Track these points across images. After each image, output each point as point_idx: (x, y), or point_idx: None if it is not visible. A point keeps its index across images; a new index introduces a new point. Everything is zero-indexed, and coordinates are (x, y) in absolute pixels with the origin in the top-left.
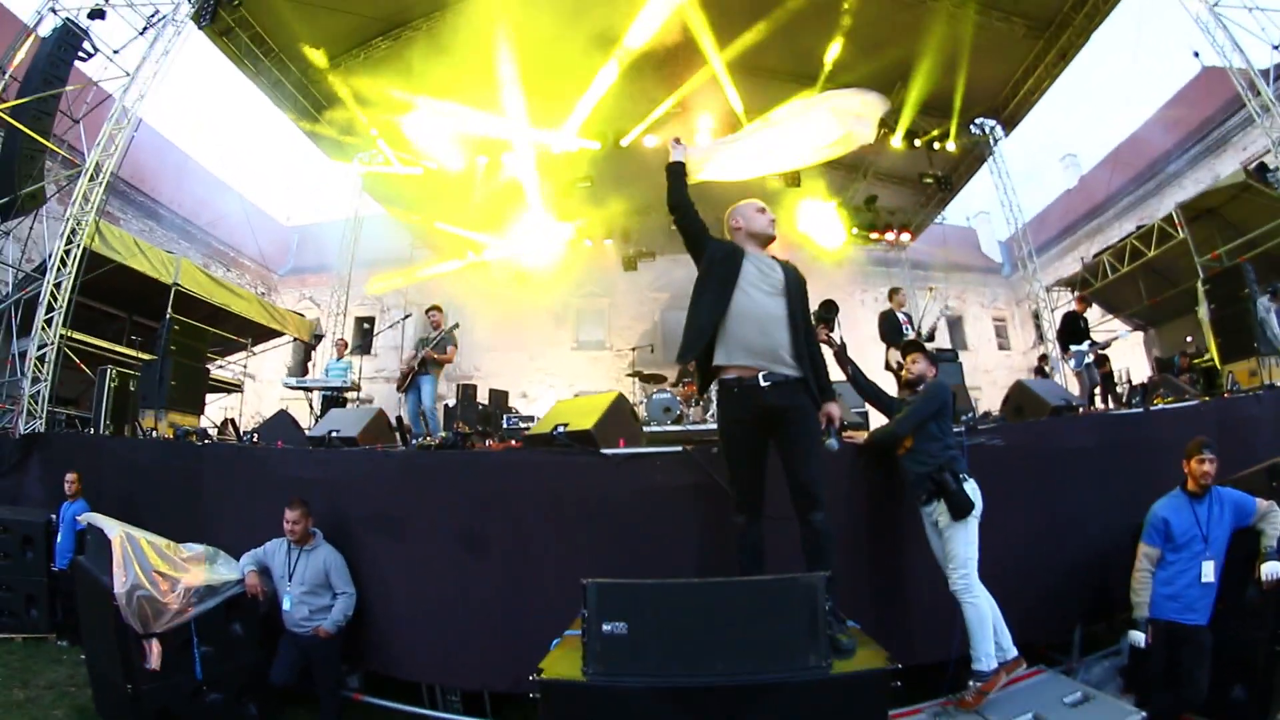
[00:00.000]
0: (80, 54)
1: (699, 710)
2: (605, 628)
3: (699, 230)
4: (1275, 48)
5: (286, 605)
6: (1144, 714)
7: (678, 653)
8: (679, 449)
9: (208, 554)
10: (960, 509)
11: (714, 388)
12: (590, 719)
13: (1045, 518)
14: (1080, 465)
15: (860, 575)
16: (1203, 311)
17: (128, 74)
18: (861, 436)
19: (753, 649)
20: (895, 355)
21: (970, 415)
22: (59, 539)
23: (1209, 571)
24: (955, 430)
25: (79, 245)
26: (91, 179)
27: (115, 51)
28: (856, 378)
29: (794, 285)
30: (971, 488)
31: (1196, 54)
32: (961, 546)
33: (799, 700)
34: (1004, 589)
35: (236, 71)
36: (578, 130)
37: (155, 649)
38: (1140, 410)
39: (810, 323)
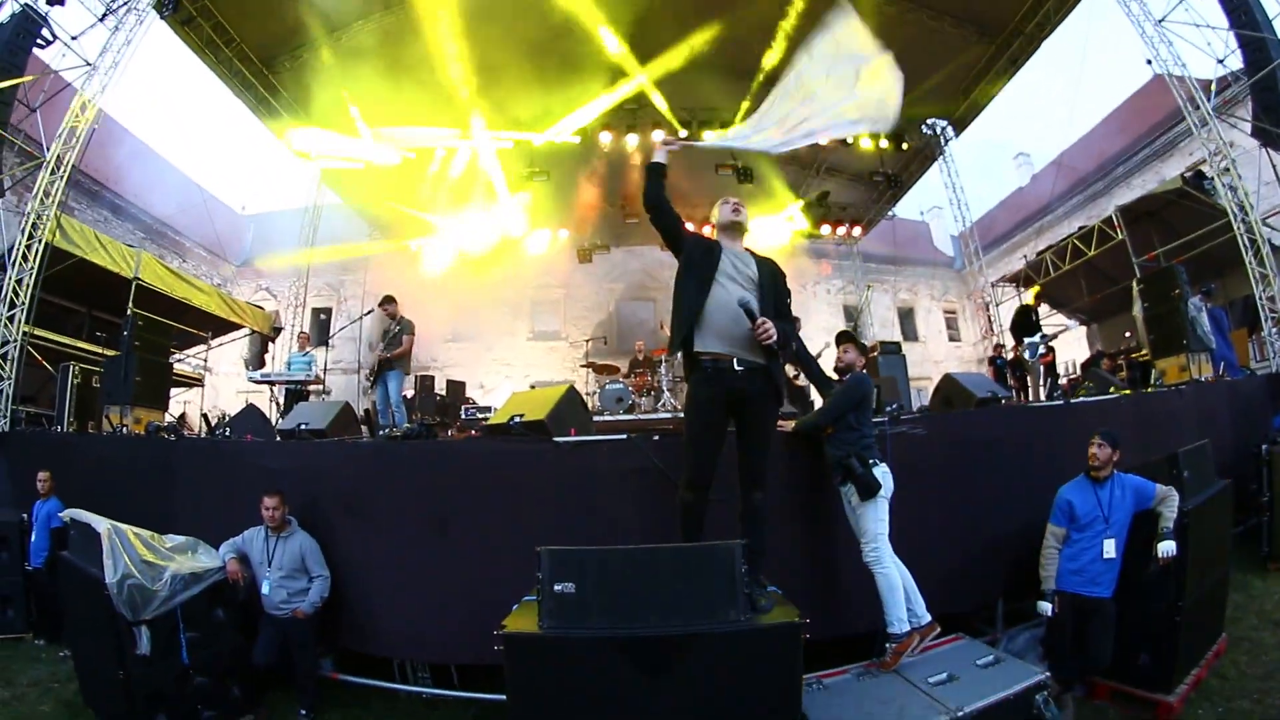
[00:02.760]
0: (39, 41)
1: (637, 657)
2: (556, 588)
3: (675, 226)
4: (1220, 62)
5: (265, 590)
6: (1047, 674)
7: (618, 608)
8: (624, 436)
9: (189, 544)
10: (867, 490)
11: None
12: (546, 665)
13: (966, 501)
14: (1002, 453)
15: (795, 551)
16: (1138, 309)
17: (89, 64)
18: (789, 425)
19: (681, 605)
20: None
21: (894, 405)
22: (33, 538)
23: (1110, 549)
24: (878, 420)
25: (40, 241)
26: (52, 172)
27: (74, 38)
28: (802, 358)
29: (768, 279)
30: (881, 472)
31: (1149, 62)
32: (870, 523)
33: (721, 649)
34: (927, 564)
35: (191, 59)
36: (533, 124)
37: (145, 635)
38: (1061, 403)
39: (782, 315)
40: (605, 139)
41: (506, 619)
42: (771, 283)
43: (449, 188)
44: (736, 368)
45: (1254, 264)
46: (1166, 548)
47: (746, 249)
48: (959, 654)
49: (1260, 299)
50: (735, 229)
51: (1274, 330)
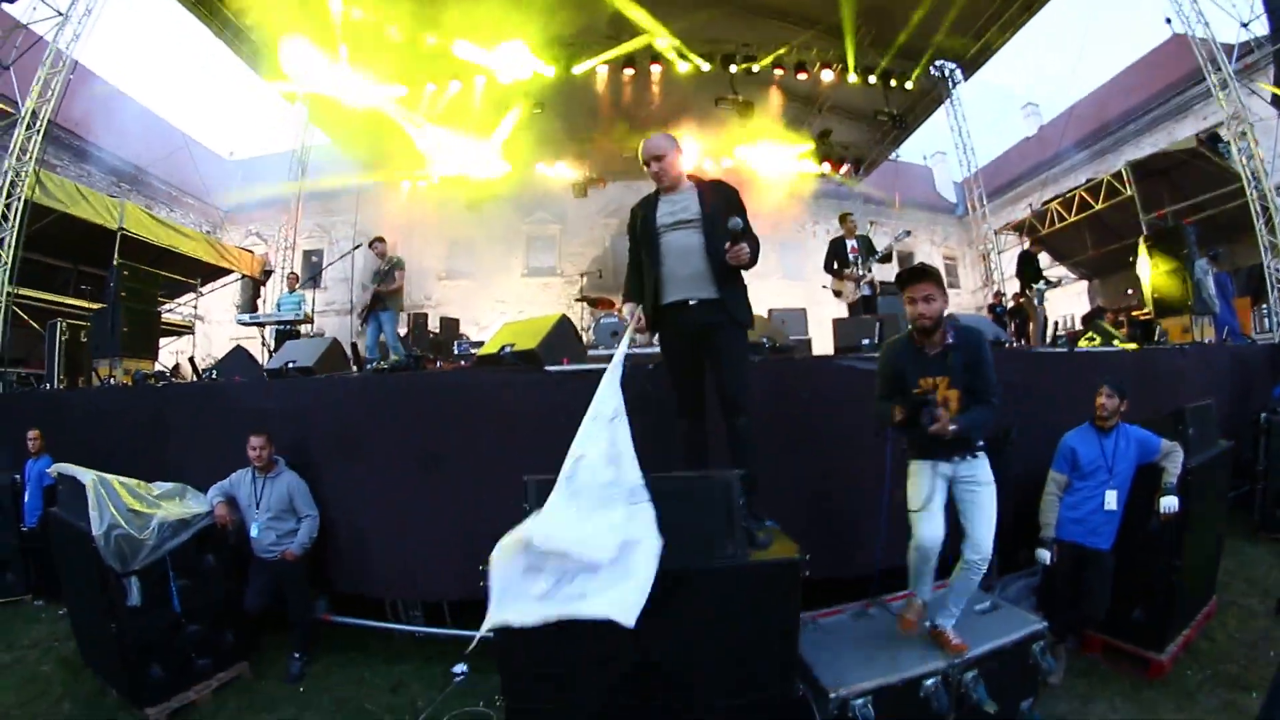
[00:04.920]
0: None
1: None
2: None
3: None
4: (1244, 25)
5: (254, 532)
6: (1046, 624)
7: None
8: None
9: (177, 490)
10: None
11: None
12: None
13: None
14: (1003, 398)
15: (788, 486)
16: (1143, 266)
17: (60, 13)
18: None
19: (676, 538)
20: (836, 283)
21: None
22: (26, 498)
23: (1112, 500)
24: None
25: (20, 199)
26: (28, 128)
27: None
28: None
29: (713, 208)
30: None
31: (1168, 20)
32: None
33: (718, 584)
34: None
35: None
36: (529, 52)
37: (135, 586)
38: (1065, 350)
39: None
40: (602, 72)
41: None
42: (716, 212)
43: (440, 123)
44: (691, 303)
45: (1265, 232)
46: (1169, 503)
47: (690, 178)
48: None
49: (1268, 268)
50: (659, 179)
51: (1279, 300)
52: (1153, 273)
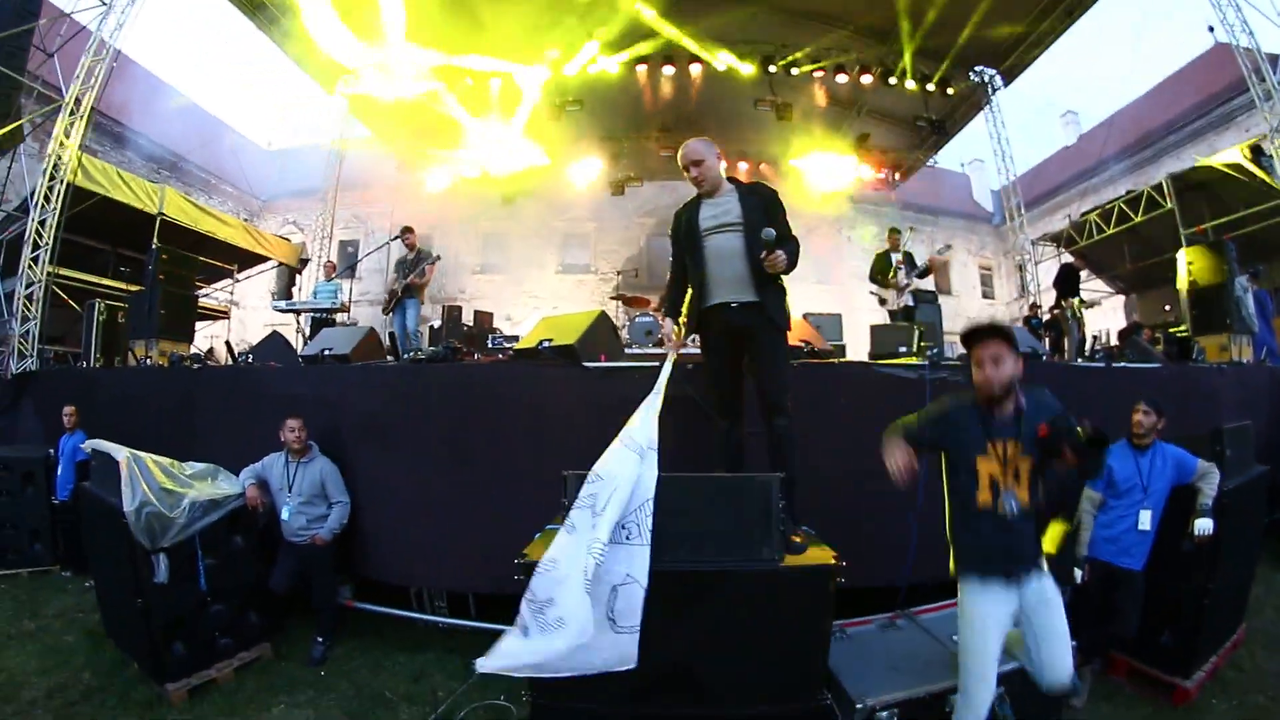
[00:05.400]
0: None
1: (664, 591)
2: None
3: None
4: None
5: (285, 515)
6: (1074, 643)
7: None
8: (656, 364)
9: (209, 471)
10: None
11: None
12: None
13: None
14: None
15: (821, 492)
16: (1182, 282)
17: (104, 3)
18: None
19: (713, 539)
20: (881, 290)
21: (935, 350)
22: (59, 472)
23: (1145, 520)
24: (917, 365)
25: (62, 181)
26: (71, 113)
27: None
28: None
29: (753, 212)
30: None
31: (1211, 29)
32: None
33: (752, 587)
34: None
35: None
36: (567, 52)
37: (164, 563)
38: (1103, 365)
39: (782, 239)
40: (641, 71)
41: (528, 547)
42: (757, 216)
43: (479, 118)
44: (732, 305)
45: None
46: (1204, 525)
47: (731, 180)
48: None
49: None
50: (699, 183)
51: None
52: (1191, 289)
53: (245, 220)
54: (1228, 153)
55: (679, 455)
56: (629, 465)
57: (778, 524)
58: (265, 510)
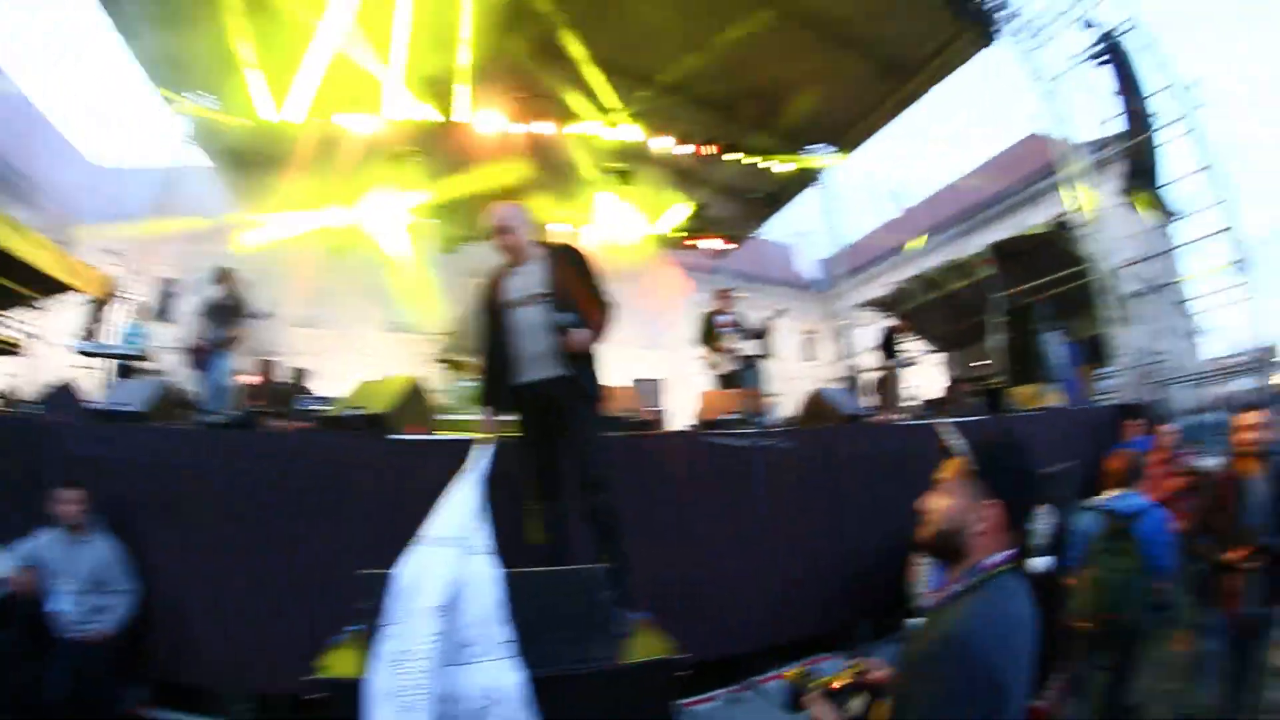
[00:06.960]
0: None
1: None
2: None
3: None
4: (1102, 123)
5: (60, 606)
6: None
7: None
8: (467, 437)
9: None
10: None
11: None
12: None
13: (834, 517)
14: (865, 469)
15: (656, 569)
16: (997, 340)
17: None
18: None
19: (543, 641)
20: (709, 355)
21: (760, 418)
22: None
23: None
24: (748, 432)
25: None
26: None
27: None
28: None
29: (561, 281)
30: None
31: (1028, 119)
32: None
33: (586, 689)
34: (798, 585)
35: None
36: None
37: None
38: (929, 422)
39: (592, 301)
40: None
41: (327, 655)
42: (574, 278)
43: (317, 161)
44: (542, 381)
45: (1106, 308)
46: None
47: (539, 245)
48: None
49: (1107, 339)
50: (508, 252)
51: (1117, 367)
52: (1006, 346)
53: (57, 241)
54: (1040, 225)
55: (505, 542)
56: (444, 566)
57: (609, 619)
58: (39, 599)
